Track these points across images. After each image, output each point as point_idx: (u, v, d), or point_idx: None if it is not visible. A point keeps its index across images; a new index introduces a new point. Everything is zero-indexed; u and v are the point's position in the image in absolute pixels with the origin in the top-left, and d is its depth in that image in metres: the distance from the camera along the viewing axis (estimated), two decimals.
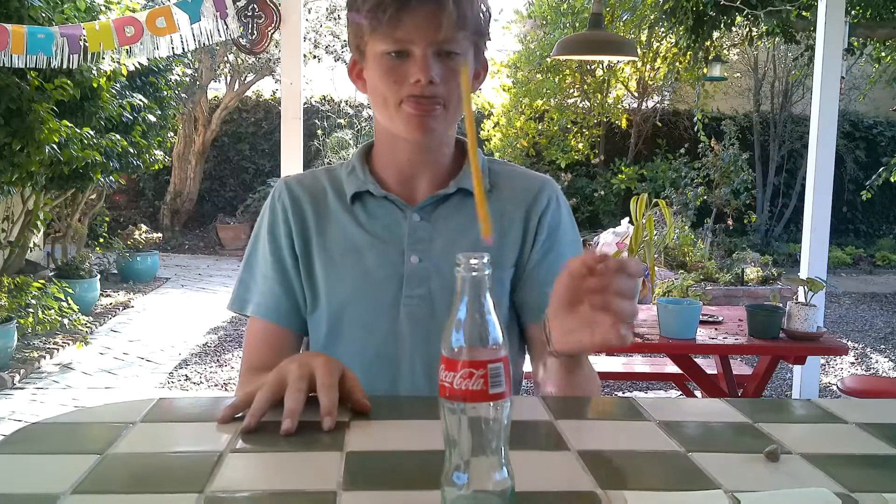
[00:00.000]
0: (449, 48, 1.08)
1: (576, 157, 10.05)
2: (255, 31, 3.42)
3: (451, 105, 1.11)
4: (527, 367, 1.24)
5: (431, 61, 1.07)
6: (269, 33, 3.43)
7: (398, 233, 1.16)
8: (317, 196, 1.20)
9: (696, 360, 3.08)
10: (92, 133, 5.01)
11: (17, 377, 4.49)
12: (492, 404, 0.63)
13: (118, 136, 5.37)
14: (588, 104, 10.20)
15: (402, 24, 1.05)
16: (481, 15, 1.12)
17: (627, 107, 10.54)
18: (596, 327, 0.87)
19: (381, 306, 1.14)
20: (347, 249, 1.16)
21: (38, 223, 5.50)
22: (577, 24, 9.16)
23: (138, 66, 4.76)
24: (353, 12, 1.11)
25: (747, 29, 7.54)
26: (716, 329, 2.97)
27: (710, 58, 7.66)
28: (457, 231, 1.16)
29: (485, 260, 0.64)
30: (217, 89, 10.85)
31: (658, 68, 9.91)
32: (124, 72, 5.26)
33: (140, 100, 5.94)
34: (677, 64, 8.75)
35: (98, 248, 7.33)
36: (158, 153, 6.56)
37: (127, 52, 3.38)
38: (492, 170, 1.23)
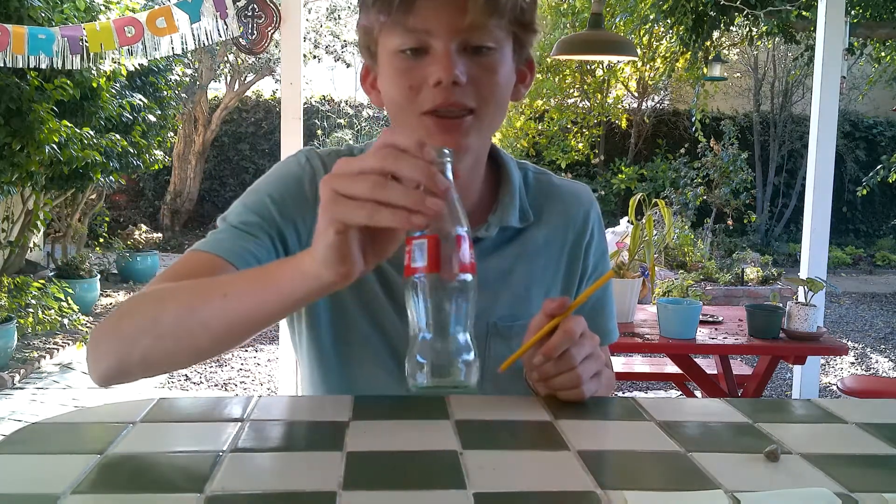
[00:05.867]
0: (478, 41, 0.90)
1: (576, 157, 10.06)
2: (255, 31, 3.41)
3: (483, 114, 0.92)
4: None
5: (455, 57, 0.89)
6: (269, 33, 3.43)
7: None
8: None
9: (696, 360, 3.08)
10: (92, 133, 5.01)
11: (17, 377, 4.49)
12: (455, 278, 0.63)
13: (118, 136, 5.37)
14: (588, 104, 10.20)
15: (417, 9, 0.88)
16: None
17: (627, 107, 10.54)
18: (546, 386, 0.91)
19: (391, 366, 1.01)
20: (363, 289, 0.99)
21: (38, 223, 5.50)
22: (577, 24, 9.16)
23: (138, 66, 4.76)
24: (362, 8, 0.96)
25: (747, 29, 7.53)
26: (716, 329, 2.97)
27: (709, 58, 7.66)
28: (496, 280, 1.02)
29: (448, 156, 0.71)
30: (217, 89, 10.85)
31: (657, 68, 9.92)
32: (124, 72, 5.26)
33: (140, 100, 5.94)
34: (677, 64, 8.75)
35: (98, 248, 7.32)
36: (158, 153, 6.57)
37: (127, 53, 3.38)
38: (534, 192, 1.09)
